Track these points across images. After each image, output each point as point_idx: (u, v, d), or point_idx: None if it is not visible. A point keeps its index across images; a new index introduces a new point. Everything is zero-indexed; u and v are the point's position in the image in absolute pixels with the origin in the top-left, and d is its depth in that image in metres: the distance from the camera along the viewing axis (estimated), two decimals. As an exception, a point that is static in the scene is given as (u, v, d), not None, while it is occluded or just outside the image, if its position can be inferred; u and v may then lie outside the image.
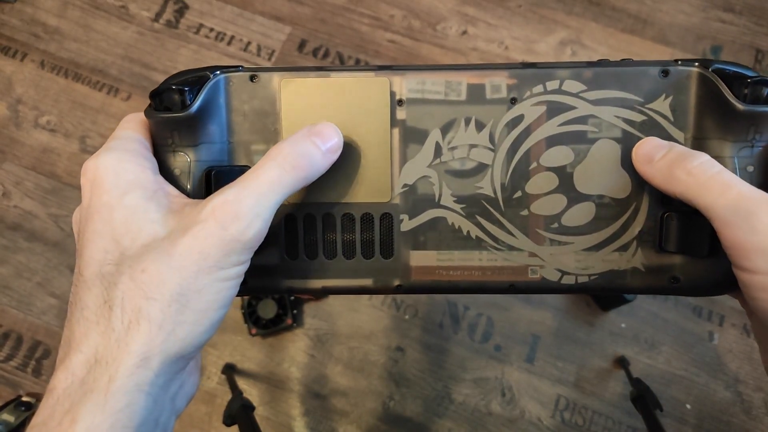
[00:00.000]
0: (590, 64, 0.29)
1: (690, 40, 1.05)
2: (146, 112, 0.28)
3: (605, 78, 0.28)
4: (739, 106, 0.26)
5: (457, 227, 0.30)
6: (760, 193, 0.24)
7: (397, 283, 0.31)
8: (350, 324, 0.91)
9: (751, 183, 0.27)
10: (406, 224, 0.30)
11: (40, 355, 0.91)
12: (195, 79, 0.28)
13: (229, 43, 1.04)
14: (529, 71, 0.29)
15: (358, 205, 0.30)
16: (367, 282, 0.31)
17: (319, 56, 1.04)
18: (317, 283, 0.31)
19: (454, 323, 0.91)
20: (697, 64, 0.28)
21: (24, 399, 0.26)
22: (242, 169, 0.29)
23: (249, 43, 1.04)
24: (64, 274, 0.94)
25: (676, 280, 0.30)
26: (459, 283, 0.30)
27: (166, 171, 0.28)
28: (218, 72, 0.29)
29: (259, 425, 0.72)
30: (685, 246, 0.29)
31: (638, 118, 0.29)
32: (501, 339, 0.91)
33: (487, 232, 0.30)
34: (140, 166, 0.26)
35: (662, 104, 0.28)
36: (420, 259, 0.30)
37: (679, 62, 0.28)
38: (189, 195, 0.28)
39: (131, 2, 1.07)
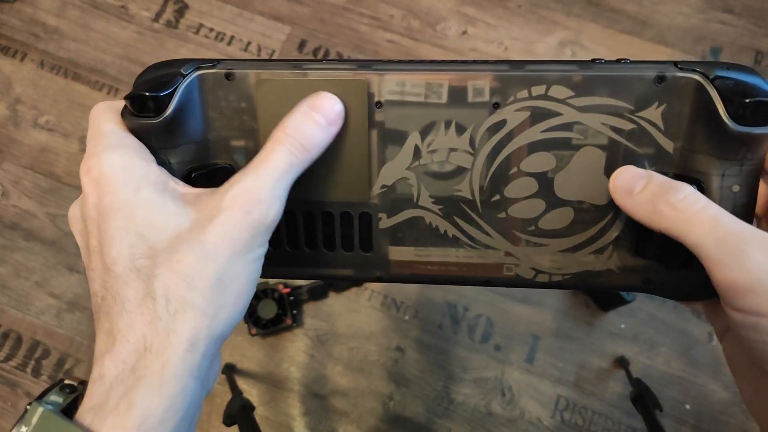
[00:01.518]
0: (582, 66, 0.27)
1: (689, 41, 1.05)
2: (123, 115, 0.28)
3: (595, 83, 0.27)
4: (732, 126, 0.25)
5: (434, 226, 0.30)
6: (746, 227, 0.24)
7: (377, 274, 0.31)
8: (350, 324, 0.91)
9: (735, 203, 0.26)
10: (385, 222, 0.30)
11: (39, 355, 0.91)
12: (169, 79, 0.28)
13: (229, 43, 1.04)
14: (515, 74, 0.27)
15: (337, 203, 0.30)
16: (348, 272, 0.31)
17: (319, 56, 1.04)
18: (300, 271, 0.31)
19: (453, 324, 0.91)
20: (698, 69, 0.26)
21: (67, 382, 0.27)
22: (224, 169, 0.29)
23: (249, 43, 1.04)
24: (62, 273, 0.94)
25: (649, 281, 0.29)
26: (437, 276, 0.31)
27: None
28: (192, 70, 0.28)
29: (259, 425, 0.72)
30: (659, 256, 0.28)
31: (627, 126, 0.27)
32: (501, 339, 0.91)
33: (464, 231, 0.30)
34: (144, 160, 0.27)
35: (654, 112, 0.27)
36: (399, 253, 0.31)
37: (679, 65, 0.26)
38: None
39: (131, 2, 1.07)
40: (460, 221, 0.30)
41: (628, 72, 0.27)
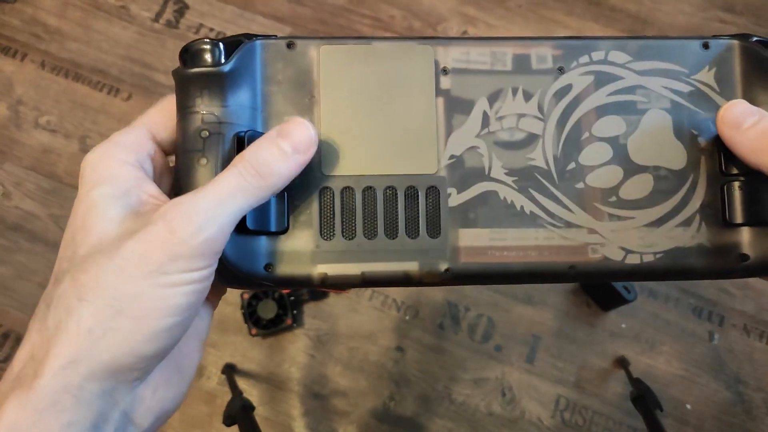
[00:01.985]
0: (632, 38, 0.29)
1: (690, 40, 1.05)
2: (174, 72, 0.26)
3: (650, 49, 0.28)
4: None
5: (509, 202, 0.28)
6: None
7: (445, 266, 0.28)
8: (350, 324, 0.91)
9: None
10: (454, 199, 0.28)
11: (40, 356, 0.91)
12: (230, 41, 0.27)
13: (229, 44, 1.04)
14: (574, 42, 0.29)
15: (401, 177, 0.28)
16: (412, 266, 0.28)
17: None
18: (356, 268, 0.28)
19: (454, 324, 0.91)
20: (736, 38, 0.28)
21: None
22: None
23: (249, 43, 1.05)
24: (65, 274, 0.94)
25: (745, 257, 0.28)
26: (513, 266, 0.28)
27: (191, 136, 0.26)
28: (253, 37, 0.27)
29: (259, 425, 0.72)
30: (752, 214, 0.28)
31: (685, 89, 0.28)
32: (501, 339, 0.91)
33: (542, 207, 0.28)
34: (122, 161, 0.25)
35: (707, 75, 0.28)
36: (470, 238, 0.28)
37: (717, 37, 0.28)
38: (218, 158, 0.26)
39: (131, 2, 1.07)
40: (537, 194, 0.28)
41: (677, 39, 0.29)
